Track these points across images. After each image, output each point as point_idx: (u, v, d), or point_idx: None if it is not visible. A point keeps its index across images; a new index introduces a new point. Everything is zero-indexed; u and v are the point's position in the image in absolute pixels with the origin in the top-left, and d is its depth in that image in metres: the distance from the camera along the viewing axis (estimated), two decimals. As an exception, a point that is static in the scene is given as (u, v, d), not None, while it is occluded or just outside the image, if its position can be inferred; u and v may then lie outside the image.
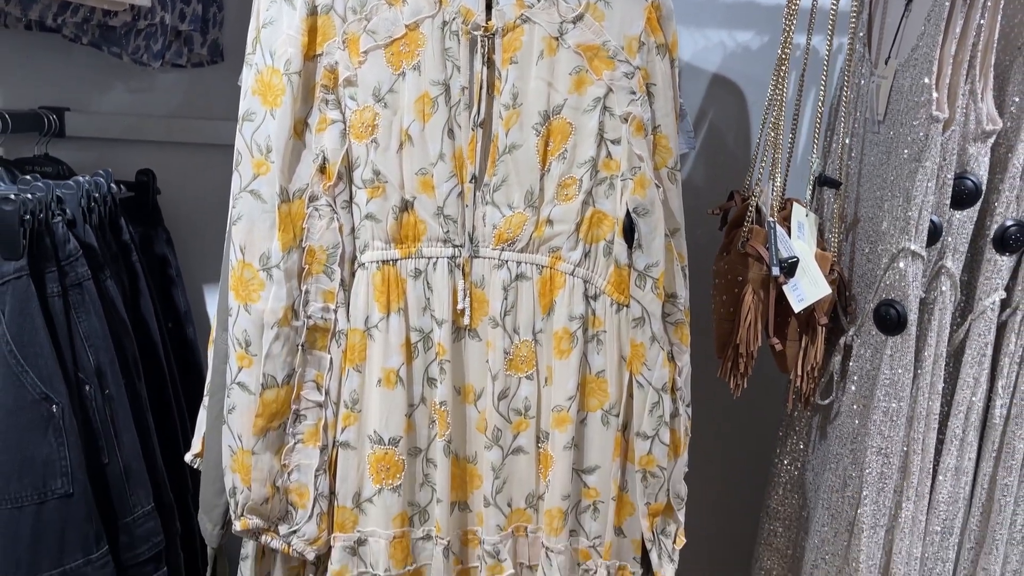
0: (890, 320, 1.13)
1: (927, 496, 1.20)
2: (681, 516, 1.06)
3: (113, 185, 1.22)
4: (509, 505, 1.05)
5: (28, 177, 1.07)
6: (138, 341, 1.21)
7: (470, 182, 0.99)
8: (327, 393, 1.01)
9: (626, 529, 1.06)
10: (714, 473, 1.70)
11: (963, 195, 1.12)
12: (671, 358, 1.02)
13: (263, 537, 1.03)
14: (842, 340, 1.24)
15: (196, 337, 1.46)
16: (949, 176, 1.11)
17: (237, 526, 1.01)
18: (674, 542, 1.07)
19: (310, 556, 1.03)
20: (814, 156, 1.28)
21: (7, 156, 1.30)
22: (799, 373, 1.24)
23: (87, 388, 1.07)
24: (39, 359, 1.01)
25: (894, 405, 1.17)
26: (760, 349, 1.23)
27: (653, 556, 1.06)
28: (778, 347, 1.21)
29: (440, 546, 1.03)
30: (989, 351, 1.16)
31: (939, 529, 1.21)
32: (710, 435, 1.60)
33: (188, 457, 1.12)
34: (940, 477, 1.20)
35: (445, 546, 1.03)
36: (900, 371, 1.16)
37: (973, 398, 1.17)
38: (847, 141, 1.26)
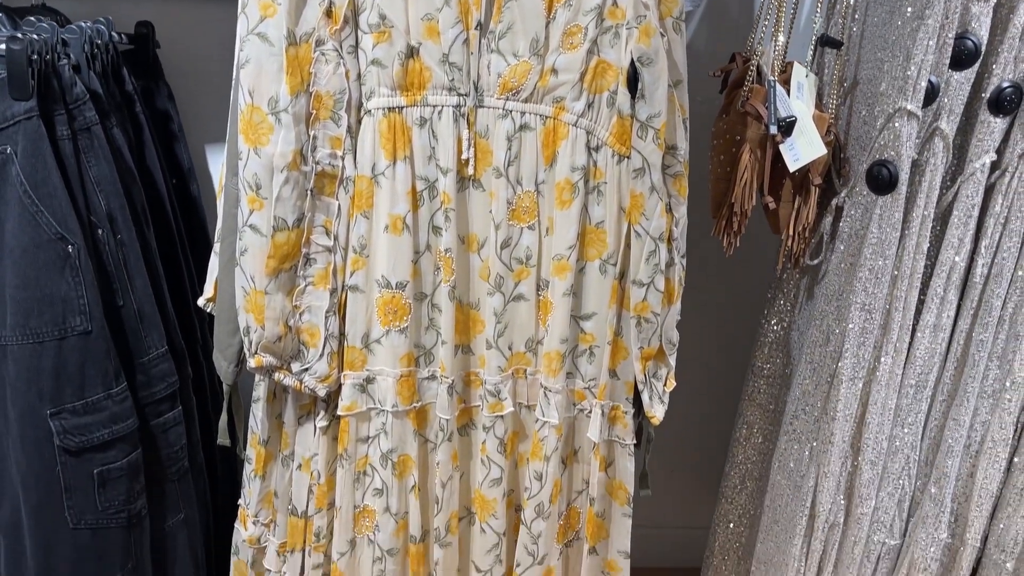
0: (882, 180, 1.16)
1: (905, 351, 1.27)
2: (672, 361, 1.12)
3: (114, 34, 1.21)
4: (510, 348, 1.10)
5: (32, 18, 1.07)
6: (145, 192, 1.23)
7: (475, 29, 1.00)
8: (336, 238, 1.04)
9: (620, 372, 1.12)
10: (705, 330, 1.77)
11: (962, 55, 1.13)
12: (669, 209, 1.06)
13: (276, 375, 1.08)
14: (834, 202, 1.28)
15: (200, 195, 1.48)
16: (950, 36, 1.11)
17: (251, 363, 1.06)
18: (665, 385, 1.13)
19: (321, 393, 1.09)
20: (818, 16, 1.28)
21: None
22: (791, 233, 1.28)
23: (100, 232, 1.10)
24: (53, 200, 1.03)
25: (880, 263, 1.22)
26: (753, 214, 1.27)
27: (644, 397, 1.12)
28: (772, 206, 1.25)
29: (444, 385, 1.08)
30: (976, 213, 1.20)
31: (914, 383, 1.28)
32: (703, 295, 1.66)
33: (201, 301, 1.16)
34: (919, 334, 1.26)
35: (449, 385, 1.09)
36: (888, 231, 1.20)
37: (956, 258, 1.22)
38: (851, 1, 1.25)
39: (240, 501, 1.30)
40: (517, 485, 1.17)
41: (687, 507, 1.97)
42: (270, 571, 1.27)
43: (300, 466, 1.18)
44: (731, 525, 1.56)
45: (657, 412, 1.12)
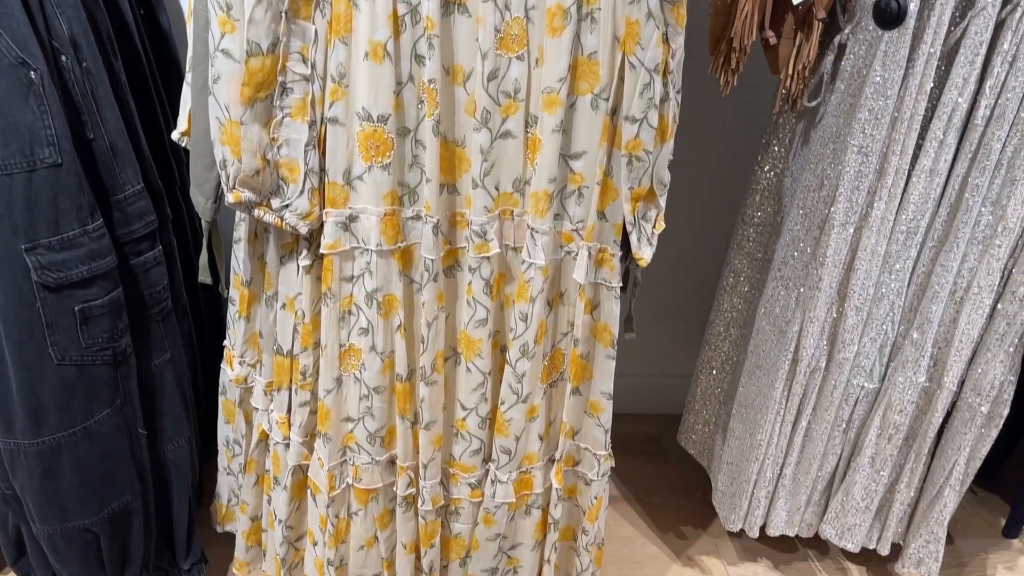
0: (890, 13, 1.11)
1: (899, 196, 1.25)
2: (662, 202, 1.09)
3: None
4: (496, 188, 1.07)
5: None
6: (110, 20, 1.16)
7: None
8: (313, 66, 0.99)
9: (608, 214, 1.10)
10: (696, 174, 1.74)
11: None
12: (666, 39, 1.00)
13: (256, 211, 1.05)
14: (836, 39, 1.22)
15: (170, 28, 1.40)
16: None
17: (229, 198, 1.03)
18: (654, 227, 1.11)
19: (303, 230, 1.06)
20: None
21: None
22: (790, 72, 1.23)
23: (63, 58, 1.04)
24: (11, 21, 0.97)
25: (880, 104, 1.18)
26: (752, 53, 1.21)
27: (632, 239, 1.10)
28: (772, 41, 1.19)
29: (430, 224, 1.06)
30: (983, 51, 1.15)
31: (905, 228, 1.27)
32: (696, 137, 1.62)
33: (175, 135, 1.12)
34: (914, 178, 1.24)
35: (434, 225, 1.06)
36: (891, 69, 1.15)
37: (959, 99, 1.18)
38: None
39: (226, 342, 1.31)
40: (503, 326, 1.17)
41: (670, 355, 2.00)
42: (257, 409, 1.29)
43: (284, 306, 1.17)
44: (714, 372, 1.59)
45: (645, 254, 1.11)
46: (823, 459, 1.46)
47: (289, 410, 1.22)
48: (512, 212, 1.10)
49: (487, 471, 1.23)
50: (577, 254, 1.11)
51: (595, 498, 1.27)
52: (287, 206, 1.05)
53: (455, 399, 1.19)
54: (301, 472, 1.25)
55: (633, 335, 1.24)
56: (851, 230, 1.26)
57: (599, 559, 1.35)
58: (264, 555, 1.42)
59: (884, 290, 1.31)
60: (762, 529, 1.53)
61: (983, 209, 1.22)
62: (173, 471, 1.35)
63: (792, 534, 1.54)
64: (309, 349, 1.15)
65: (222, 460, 1.41)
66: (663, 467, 1.88)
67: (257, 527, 1.39)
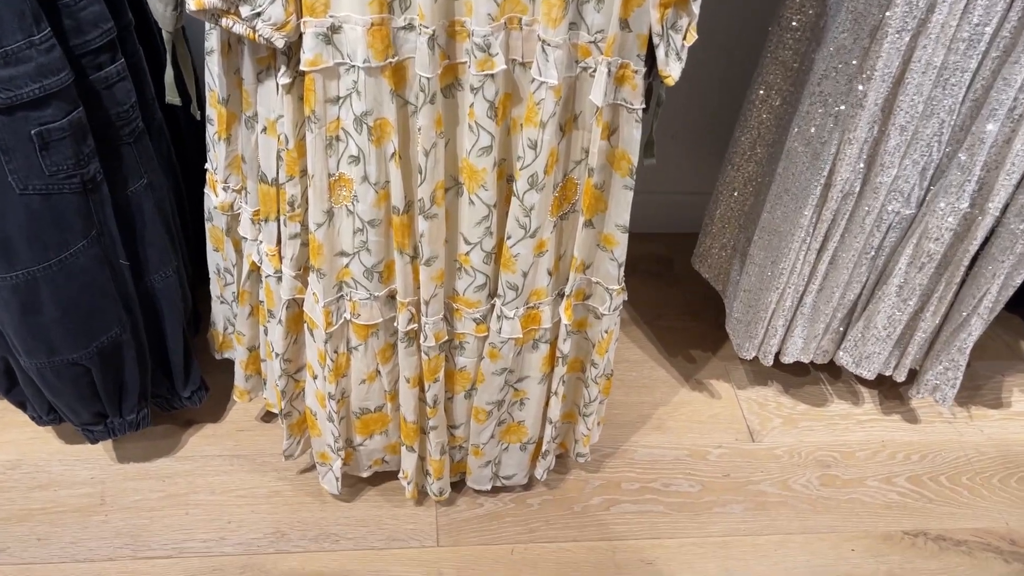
0: None
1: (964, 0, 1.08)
2: (696, 7, 0.94)
3: None
4: (502, -9, 0.92)
5: None
6: None
7: None
8: None
9: (632, 23, 0.95)
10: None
11: None
12: None
13: (223, 21, 0.91)
14: None
15: None
16: None
17: (191, 5, 0.88)
18: (684, 38, 0.96)
19: (279, 44, 0.92)
20: None
21: None
22: None
23: None
24: None
25: None
26: None
27: (660, 53, 0.95)
28: None
29: (424, 36, 0.91)
30: None
31: (967, 36, 1.11)
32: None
33: (121, -74, 0.95)
34: (985, -23, 1.07)
35: (430, 36, 0.92)
36: None
37: None
38: None
39: (207, 165, 1.20)
40: (509, 154, 1.05)
41: (685, 172, 1.88)
42: (246, 239, 1.20)
43: (265, 129, 1.05)
44: (735, 193, 1.48)
45: (673, 70, 0.97)
46: (846, 287, 1.39)
47: (279, 242, 1.13)
48: (520, 21, 0.95)
49: (492, 306, 1.16)
50: (595, 71, 0.97)
51: (605, 332, 1.21)
52: (258, 14, 0.90)
53: (458, 232, 1.09)
54: (296, 306, 1.18)
55: (654, 161, 1.12)
56: (907, 38, 1.10)
57: (607, 389, 1.31)
58: (264, 384, 1.39)
59: (935, 106, 1.18)
60: (775, 355, 1.49)
61: (1062, 15, 1.07)
62: (163, 302, 1.28)
63: (807, 360, 1.49)
64: (296, 178, 1.04)
65: (214, 288, 1.35)
66: (673, 289, 1.81)
67: (255, 356, 1.35)
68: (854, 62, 1.15)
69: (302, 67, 0.94)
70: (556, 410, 1.29)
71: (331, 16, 0.91)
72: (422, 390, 1.22)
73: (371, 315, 1.14)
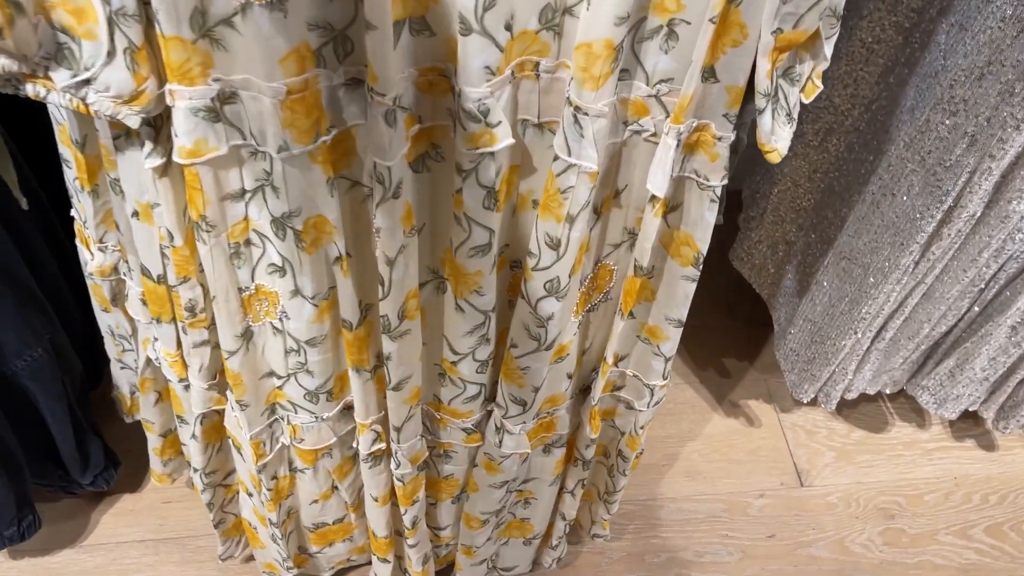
0: None
1: None
2: (829, 48, 0.57)
3: None
4: (508, 28, 0.54)
5: None
6: None
7: None
8: None
9: (721, 71, 0.57)
10: None
11: None
12: None
13: (28, 88, 0.53)
14: None
15: None
16: None
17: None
18: (803, 90, 0.59)
19: (131, 122, 0.54)
20: None
21: None
22: None
23: None
24: None
25: None
26: None
27: (764, 118, 0.59)
28: None
29: (379, 108, 0.54)
30: None
31: None
32: None
33: None
34: None
35: (388, 109, 0.54)
36: None
37: None
38: None
39: (72, 212, 0.83)
40: (514, 239, 0.70)
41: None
42: (139, 320, 0.85)
43: (137, 214, 0.68)
44: (799, 187, 1.13)
45: (781, 141, 0.60)
46: (939, 320, 1.08)
47: (180, 345, 0.79)
48: (537, 66, 0.57)
49: (489, 412, 0.84)
50: (654, 135, 0.61)
51: (640, 428, 0.90)
52: (87, 81, 0.52)
53: (440, 336, 0.75)
54: (216, 415, 0.85)
55: (720, 220, 0.78)
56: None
57: (635, 465, 1.02)
58: (189, 464, 1.08)
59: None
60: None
61: None
62: (35, 387, 0.95)
63: (872, 392, 1.21)
64: (192, 279, 0.69)
65: (110, 350, 1.00)
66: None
67: (173, 439, 1.03)
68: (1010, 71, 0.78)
69: (177, 158, 0.56)
70: (572, 509, 1.00)
71: (216, 80, 0.53)
72: (395, 506, 0.92)
73: (319, 439, 0.82)
